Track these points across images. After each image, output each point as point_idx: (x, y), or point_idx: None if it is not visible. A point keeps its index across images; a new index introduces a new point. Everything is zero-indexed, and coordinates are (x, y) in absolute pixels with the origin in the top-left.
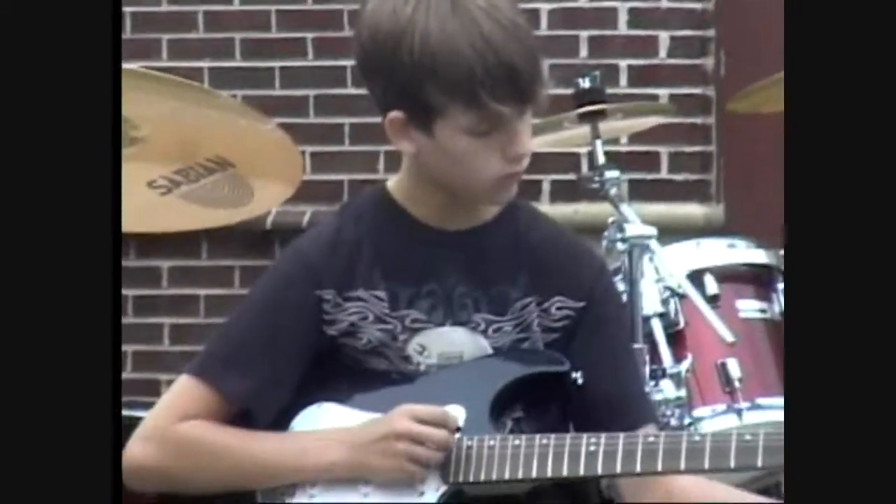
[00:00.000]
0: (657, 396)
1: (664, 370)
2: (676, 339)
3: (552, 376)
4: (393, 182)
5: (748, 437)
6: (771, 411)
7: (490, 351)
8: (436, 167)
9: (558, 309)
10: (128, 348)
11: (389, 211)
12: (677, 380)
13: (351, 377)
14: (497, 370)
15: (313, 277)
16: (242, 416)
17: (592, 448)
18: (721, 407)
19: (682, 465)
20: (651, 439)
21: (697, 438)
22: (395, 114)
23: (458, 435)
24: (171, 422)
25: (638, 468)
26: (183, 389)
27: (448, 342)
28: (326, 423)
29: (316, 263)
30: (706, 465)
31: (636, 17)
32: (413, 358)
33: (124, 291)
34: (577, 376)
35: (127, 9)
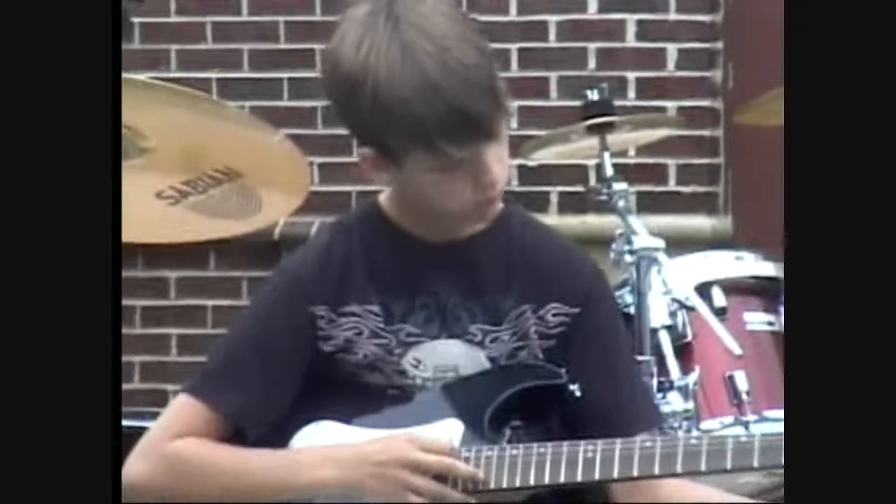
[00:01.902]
0: (665, 409)
1: (672, 383)
2: (684, 352)
3: (550, 388)
4: (384, 197)
5: (744, 439)
6: (778, 423)
7: (486, 362)
8: (412, 196)
9: (554, 315)
10: (135, 359)
11: (381, 225)
12: (685, 392)
13: (348, 393)
14: (494, 385)
15: (305, 294)
16: (239, 434)
17: (590, 455)
18: (729, 419)
19: (679, 468)
20: (648, 444)
21: (694, 441)
22: (365, 151)
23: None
24: (167, 439)
25: (635, 472)
26: (178, 407)
27: (443, 355)
28: (325, 441)
29: (307, 280)
30: (703, 468)
31: (644, 29)
32: (409, 372)
33: (132, 302)
34: (575, 388)
35: (135, 19)
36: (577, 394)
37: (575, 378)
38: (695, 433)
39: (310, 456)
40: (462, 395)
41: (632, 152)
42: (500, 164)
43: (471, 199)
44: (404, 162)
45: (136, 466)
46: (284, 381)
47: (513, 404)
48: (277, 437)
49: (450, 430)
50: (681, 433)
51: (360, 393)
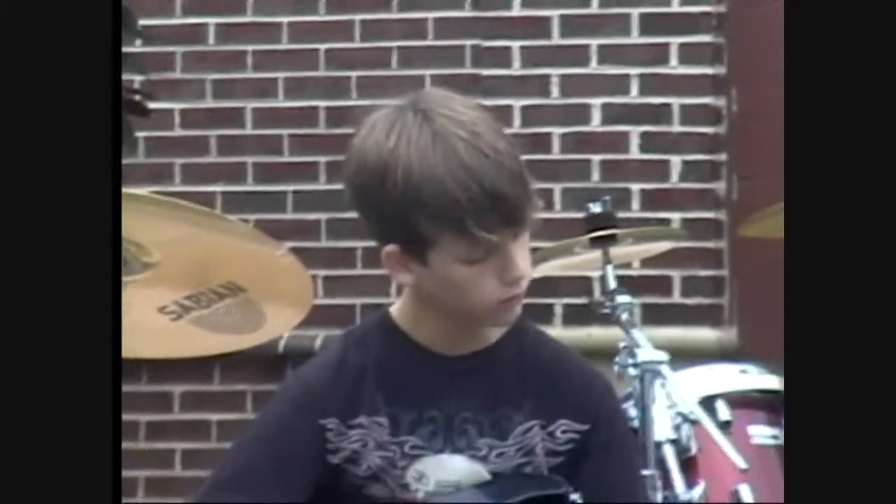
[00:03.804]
0: None
1: (676, 497)
2: (689, 466)
3: (552, 498)
4: (396, 307)
5: None
6: None
7: (488, 478)
8: (436, 294)
9: (563, 432)
10: (140, 474)
11: (392, 336)
12: None
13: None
14: (495, 496)
15: (317, 406)
16: None
17: None
18: None
19: None
20: None
21: None
22: (390, 248)
23: None
24: None
25: None
26: None
27: (446, 470)
28: None
29: (320, 391)
30: None
31: (648, 141)
32: (411, 485)
33: (136, 417)
34: (576, 497)
35: (140, 133)
36: (580, 502)
37: (589, 494)
38: None
39: None
40: None
41: (636, 264)
42: (525, 261)
43: (495, 295)
44: (431, 254)
45: None
46: (295, 491)
47: None
48: None
49: None
50: None
51: None
